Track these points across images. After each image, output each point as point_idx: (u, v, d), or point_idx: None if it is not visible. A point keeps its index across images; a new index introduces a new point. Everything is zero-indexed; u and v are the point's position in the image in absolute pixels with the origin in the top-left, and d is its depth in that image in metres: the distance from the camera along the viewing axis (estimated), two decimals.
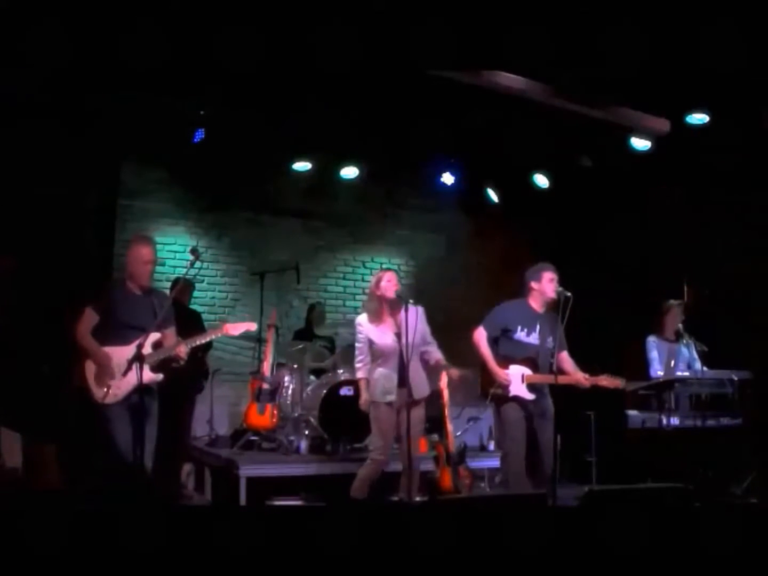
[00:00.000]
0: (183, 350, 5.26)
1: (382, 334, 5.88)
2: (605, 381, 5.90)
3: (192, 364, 7.15)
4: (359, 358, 5.98)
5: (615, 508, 3.83)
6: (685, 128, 7.44)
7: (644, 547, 3.52)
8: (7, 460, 5.53)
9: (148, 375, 5.15)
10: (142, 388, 5.02)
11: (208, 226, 9.08)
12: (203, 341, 5.52)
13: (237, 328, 5.45)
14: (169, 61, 6.40)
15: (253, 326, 5.60)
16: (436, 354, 6.09)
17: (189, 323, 7.26)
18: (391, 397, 5.84)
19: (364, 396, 5.96)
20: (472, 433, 8.17)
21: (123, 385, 5.15)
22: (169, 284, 7.29)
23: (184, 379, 7.20)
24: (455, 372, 6.17)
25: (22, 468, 5.84)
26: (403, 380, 5.72)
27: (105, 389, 5.15)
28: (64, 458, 6.03)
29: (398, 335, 5.79)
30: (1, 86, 6.18)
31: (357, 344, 6.01)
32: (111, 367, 5.19)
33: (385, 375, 5.86)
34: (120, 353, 5.18)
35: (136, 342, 5.05)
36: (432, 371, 6.19)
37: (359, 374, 6.01)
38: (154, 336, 5.26)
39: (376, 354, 5.90)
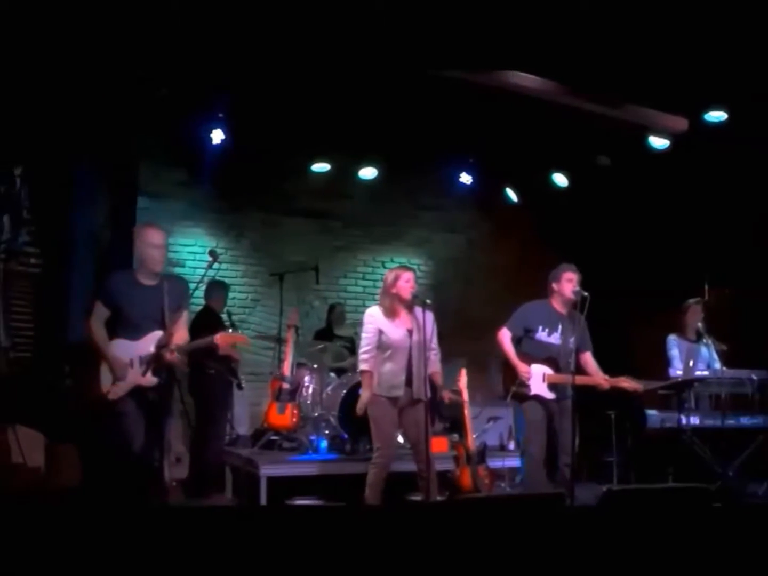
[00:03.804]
0: (173, 357, 5.08)
1: (395, 329, 5.79)
2: (625, 383, 5.89)
3: (220, 364, 7.29)
4: (365, 349, 5.80)
5: (633, 508, 3.82)
6: (704, 126, 7.41)
7: (662, 548, 3.52)
8: (29, 460, 5.57)
9: (147, 377, 5.06)
10: (142, 389, 5.04)
11: (228, 228, 9.13)
12: (193, 348, 5.38)
13: (228, 339, 5.40)
14: (188, 62, 6.47)
15: (244, 339, 5.61)
16: (434, 365, 5.96)
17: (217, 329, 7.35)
18: (398, 393, 5.75)
19: (365, 394, 5.80)
20: (492, 432, 8.16)
21: (124, 383, 5.10)
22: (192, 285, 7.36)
23: (215, 384, 7.32)
24: (447, 395, 6.13)
25: (44, 467, 5.89)
26: (411, 379, 5.71)
27: (111, 384, 5.11)
28: (85, 457, 6.07)
29: (410, 332, 5.76)
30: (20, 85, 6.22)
31: (364, 334, 5.85)
32: (118, 368, 5.11)
33: (393, 371, 5.76)
34: (126, 348, 5.13)
35: (146, 337, 5.04)
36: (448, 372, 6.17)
37: (364, 366, 5.82)
38: (156, 335, 5.10)
39: (385, 347, 5.77)
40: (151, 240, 5.20)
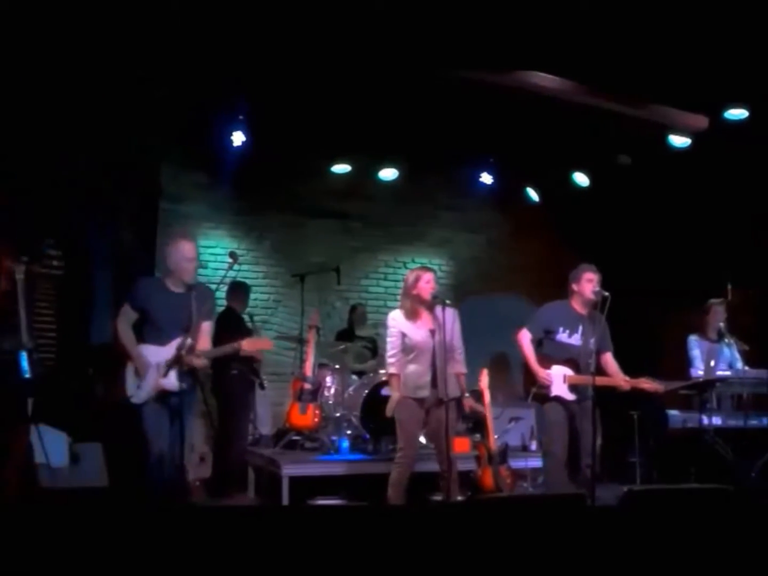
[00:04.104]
0: (200, 362, 5.20)
1: (417, 330, 5.81)
2: (646, 384, 5.88)
3: (243, 365, 7.34)
4: (392, 352, 5.86)
5: (654, 509, 3.81)
6: (725, 124, 7.37)
7: (683, 548, 3.51)
8: (53, 459, 5.62)
9: (171, 382, 5.09)
10: (167, 393, 5.08)
11: (249, 229, 9.16)
12: (219, 354, 5.47)
13: (254, 345, 5.41)
14: (209, 65, 6.52)
15: (268, 345, 5.57)
16: (459, 366, 5.98)
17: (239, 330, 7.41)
18: (424, 393, 5.77)
19: (394, 396, 5.84)
20: (514, 433, 8.15)
21: (147, 386, 5.17)
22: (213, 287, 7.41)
23: (237, 384, 7.37)
24: (468, 403, 6.12)
25: (68, 467, 5.95)
26: (436, 379, 5.72)
27: (135, 387, 5.18)
28: (109, 457, 6.13)
29: (432, 332, 5.77)
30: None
31: (389, 338, 5.90)
32: (143, 366, 5.18)
33: (418, 372, 5.78)
34: (154, 353, 5.18)
35: (172, 343, 5.08)
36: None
37: (392, 369, 5.87)
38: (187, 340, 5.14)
39: (408, 349, 5.81)
40: (185, 254, 5.27)
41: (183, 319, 5.11)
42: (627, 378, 5.95)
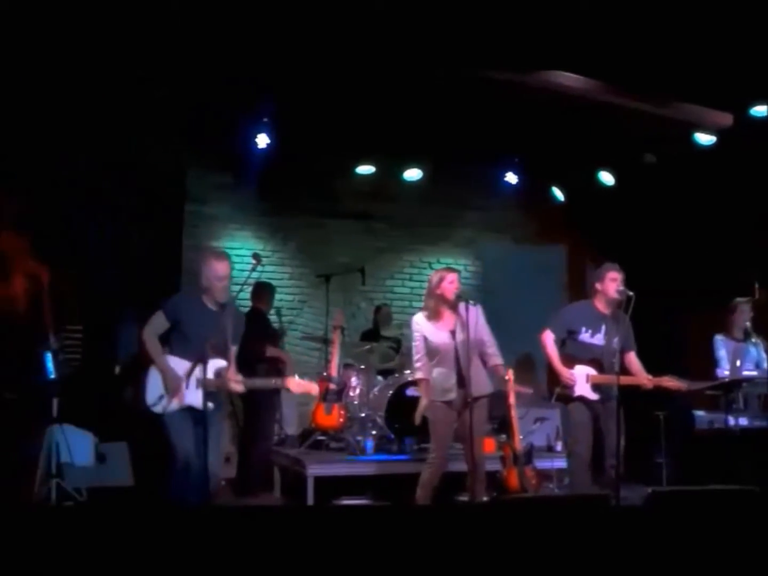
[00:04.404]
0: (239, 388, 5.28)
1: (438, 332, 5.82)
2: (669, 382, 5.85)
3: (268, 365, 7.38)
4: (417, 356, 5.87)
5: (678, 510, 3.80)
6: (749, 121, 7.29)
7: (707, 550, 3.49)
8: (79, 459, 5.69)
9: (197, 399, 5.09)
10: (191, 408, 5.12)
11: (274, 230, 9.21)
12: (262, 386, 5.55)
13: (299, 386, 5.33)
14: (233, 68, 6.56)
15: (315, 390, 5.47)
16: (495, 358, 5.97)
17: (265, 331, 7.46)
18: (451, 396, 5.77)
19: (423, 402, 5.84)
20: (540, 433, 8.12)
21: (176, 400, 5.17)
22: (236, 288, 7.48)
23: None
24: (516, 387, 6.15)
25: (94, 466, 6.02)
26: (462, 379, 5.72)
27: (157, 398, 5.17)
28: (135, 456, 6.20)
29: (453, 333, 5.77)
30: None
31: (414, 343, 5.90)
32: (169, 377, 5.17)
33: (443, 374, 5.79)
34: (181, 366, 5.18)
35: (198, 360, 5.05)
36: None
37: (420, 374, 5.89)
38: (218, 361, 5.19)
39: (432, 352, 5.82)
40: (216, 272, 5.25)
41: (213, 336, 5.07)
42: (650, 377, 5.92)
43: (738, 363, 6.77)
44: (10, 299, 5.56)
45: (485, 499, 5.88)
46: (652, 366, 6.07)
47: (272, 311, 8.09)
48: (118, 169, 7.18)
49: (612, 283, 5.92)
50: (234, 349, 5.37)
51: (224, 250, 5.63)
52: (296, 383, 5.30)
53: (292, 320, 9.12)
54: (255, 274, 5.66)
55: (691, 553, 3.48)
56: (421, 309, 6.08)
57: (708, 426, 6.64)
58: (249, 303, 7.73)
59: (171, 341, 5.27)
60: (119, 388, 6.53)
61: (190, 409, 5.18)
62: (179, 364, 5.20)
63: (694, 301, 8.00)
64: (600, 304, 6.05)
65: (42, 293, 5.52)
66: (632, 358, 6.09)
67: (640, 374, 5.98)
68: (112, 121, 6.83)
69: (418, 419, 5.87)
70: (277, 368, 7.59)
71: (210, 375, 5.09)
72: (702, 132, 7.59)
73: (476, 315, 5.80)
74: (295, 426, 8.47)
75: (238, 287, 5.66)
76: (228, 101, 7.14)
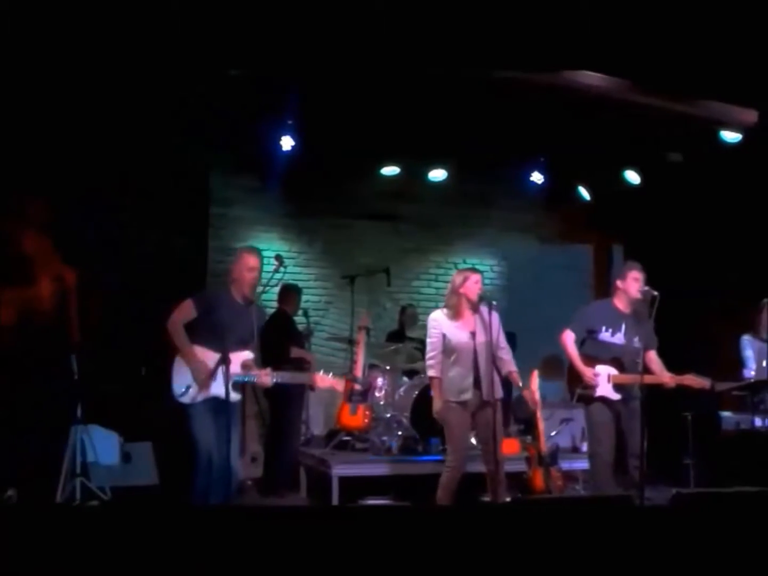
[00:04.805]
0: (268, 381, 5.30)
1: (459, 332, 5.81)
2: (691, 380, 5.81)
3: (293, 366, 7.40)
4: (432, 354, 5.86)
5: (702, 512, 3.77)
6: None
7: (732, 552, 3.47)
8: (104, 459, 5.75)
9: (221, 389, 5.09)
10: (215, 398, 5.14)
11: (300, 232, 9.25)
12: (290, 380, 5.58)
13: (324, 381, 5.43)
14: (258, 69, 6.59)
15: (341, 387, 5.61)
16: (510, 365, 5.99)
17: (289, 333, 7.50)
18: (467, 396, 5.76)
19: (437, 402, 5.82)
20: (565, 434, 8.10)
21: (202, 390, 5.21)
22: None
23: (288, 385, 7.42)
24: (528, 394, 6.14)
25: (119, 466, 6.08)
26: (478, 381, 5.71)
27: (184, 388, 5.22)
28: (160, 455, 6.25)
29: (473, 334, 5.76)
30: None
31: (429, 340, 5.89)
32: (198, 367, 5.21)
33: (461, 374, 5.77)
34: (206, 356, 5.21)
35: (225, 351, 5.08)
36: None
37: (432, 372, 5.87)
38: (244, 355, 5.26)
39: (450, 351, 5.81)
40: (247, 263, 5.40)
41: (239, 331, 5.18)
42: (672, 375, 5.88)
43: (765, 363, 6.69)
44: (36, 300, 5.64)
45: (507, 500, 5.88)
46: (678, 366, 6.02)
47: (299, 312, 8.12)
48: (142, 173, 7.23)
49: (635, 283, 5.89)
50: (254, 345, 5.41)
51: (256, 247, 5.72)
52: (322, 378, 5.41)
53: (318, 321, 9.16)
54: (281, 276, 5.73)
55: (715, 556, 3.45)
56: (441, 307, 6.07)
57: (734, 427, 6.59)
58: (275, 305, 7.77)
59: (197, 332, 5.31)
60: (144, 387, 6.60)
61: (212, 400, 5.22)
62: (205, 355, 5.24)
63: (721, 301, 7.93)
64: (620, 303, 6.01)
65: (67, 295, 5.59)
66: (653, 357, 6.04)
67: (661, 373, 5.93)
68: (137, 125, 6.88)
69: (436, 413, 5.88)
70: (302, 368, 7.62)
71: (236, 368, 5.18)
72: (728, 130, 7.52)
73: (496, 318, 5.79)
74: (322, 426, 8.51)
75: (261, 288, 5.68)
76: (252, 103, 7.18)
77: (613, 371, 5.90)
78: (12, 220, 6.18)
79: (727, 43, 5.88)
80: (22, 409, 5.59)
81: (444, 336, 5.82)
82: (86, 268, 6.13)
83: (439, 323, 5.87)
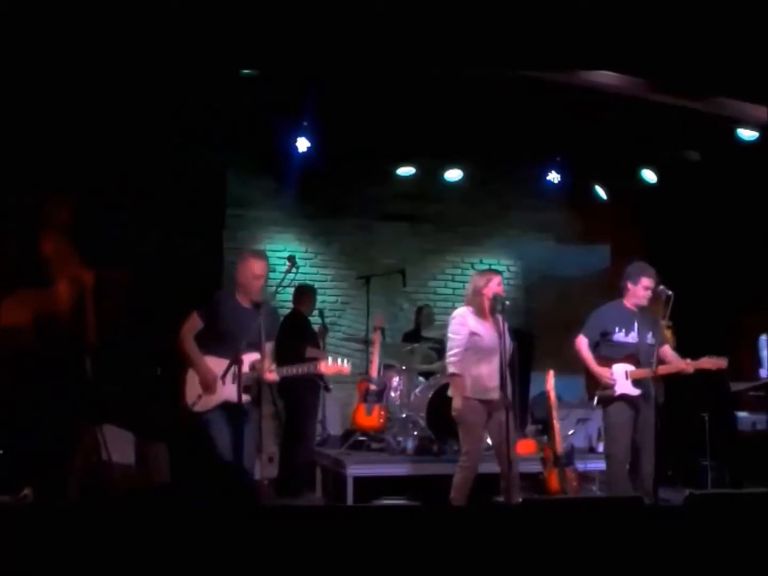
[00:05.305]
0: (272, 377, 5.27)
1: (487, 331, 5.78)
2: (707, 363, 5.78)
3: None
4: (455, 351, 5.77)
5: (716, 513, 3.75)
6: None
7: (746, 554, 3.45)
8: (116, 457, 5.77)
9: (232, 393, 5.10)
10: (228, 403, 5.14)
11: (316, 232, 9.29)
12: (295, 373, 5.46)
13: (329, 368, 5.34)
14: (273, 71, 6.62)
15: (346, 371, 5.44)
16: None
17: (303, 333, 7.51)
18: (493, 395, 5.71)
19: (457, 400, 5.76)
20: (581, 434, 8.07)
21: (213, 397, 5.20)
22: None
23: (303, 386, 7.44)
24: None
25: (134, 465, 6.11)
26: (504, 381, 5.67)
27: (196, 396, 5.22)
28: (173, 456, 6.27)
29: (501, 334, 5.71)
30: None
31: (454, 336, 5.79)
32: (206, 377, 5.21)
33: (488, 373, 5.72)
34: (217, 365, 5.19)
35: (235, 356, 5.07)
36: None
37: (454, 369, 5.77)
38: (253, 355, 5.21)
39: (476, 349, 5.75)
40: (254, 271, 5.32)
41: (246, 334, 5.09)
42: (688, 360, 5.85)
43: None
44: (53, 302, 5.68)
45: (520, 500, 5.85)
46: None
47: (315, 312, 8.14)
48: (159, 174, 7.28)
49: (645, 292, 5.90)
50: (269, 345, 5.37)
51: (262, 250, 5.67)
52: (327, 366, 5.33)
53: (335, 321, 9.18)
54: (297, 276, 5.69)
55: (728, 557, 3.43)
56: (464, 305, 5.99)
57: (751, 427, 6.56)
58: (289, 305, 7.80)
59: (206, 341, 5.31)
60: (160, 387, 6.64)
61: (226, 405, 5.23)
62: (214, 363, 5.23)
63: (740, 300, 7.88)
64: (630, 303, 6.01)
65: (85, 296, 5.62)
66: (666, 349, 6.05)
67: (677, 361, 5.92)
68: (153, 127, 6.92)
69: (455, 413, 5.82)
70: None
71: (245, 369, 5.16)
72: (744, 127, 7.47)
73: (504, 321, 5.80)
74: (338, 426, 8.53)
75: (274, 288, 5.69)
76: (269, 105, 7.21)
77: (630, 367, 5.88)
78: (31, 221, 6.23)
79: (744, 41, 5.84)
80: (37, 409, 5.62)
81: (473, 333, 5.76)
82: (103, 269, 6.16)
83: (466, 320, 5.81)
